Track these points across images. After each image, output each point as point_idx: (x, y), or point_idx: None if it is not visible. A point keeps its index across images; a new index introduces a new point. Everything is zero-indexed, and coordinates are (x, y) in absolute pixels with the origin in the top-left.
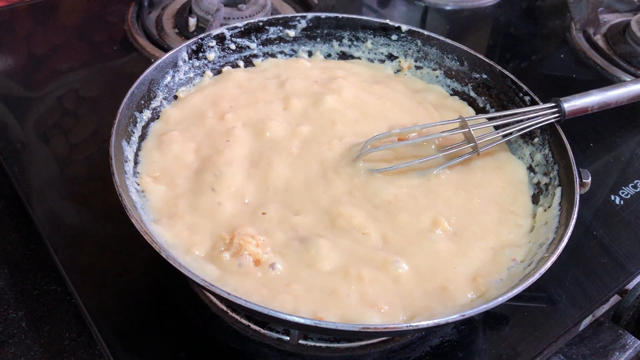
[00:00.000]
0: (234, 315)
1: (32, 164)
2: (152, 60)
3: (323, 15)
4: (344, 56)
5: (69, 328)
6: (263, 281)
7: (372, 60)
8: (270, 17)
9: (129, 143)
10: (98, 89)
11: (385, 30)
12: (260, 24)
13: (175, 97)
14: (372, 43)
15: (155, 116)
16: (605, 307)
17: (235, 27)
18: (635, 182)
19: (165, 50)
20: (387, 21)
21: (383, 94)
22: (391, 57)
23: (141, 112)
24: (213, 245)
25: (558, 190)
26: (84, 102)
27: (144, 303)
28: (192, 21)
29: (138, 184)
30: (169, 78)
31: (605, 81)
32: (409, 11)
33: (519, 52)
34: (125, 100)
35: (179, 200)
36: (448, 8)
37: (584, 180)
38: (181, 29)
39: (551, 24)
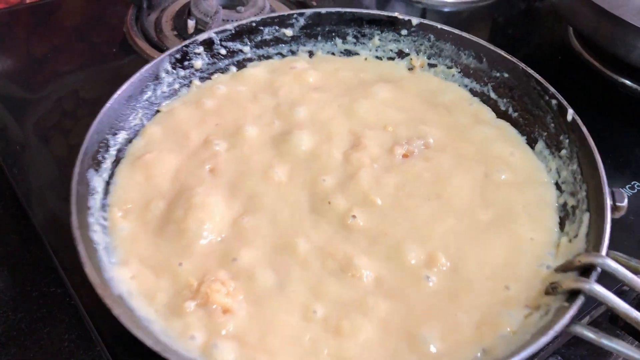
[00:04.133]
0: None
1: (32, 165)
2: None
3: (324, 10)
4: (348, 54)
5: (68, 330)
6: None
7: (380, 58)
8: (265, 16)
9: (97, 171)
10: (97, 91)
11: (393, 25)
12: (254, 24)
13: (158, 112)
14: (379, 39)
15: (133, 135)
16: (602, 308)
17: (225, 30)
18: (632, 183)
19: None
20: (396, 14)
21: (389, 98)
22: (401, 54)
23: (115, 134)
24: (177, 292)
25: (586, 217)
26: (83, 103)
27: None
28: (191, 23)
29: (105, 219)
30: (149, 93)
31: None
32: (407, 13)
33: (517, 53)
34: (93, 126)
35: (146, 237)
36: (446, 10)
37: (618, 204)
38: (180, 31)
39: (550, 25)
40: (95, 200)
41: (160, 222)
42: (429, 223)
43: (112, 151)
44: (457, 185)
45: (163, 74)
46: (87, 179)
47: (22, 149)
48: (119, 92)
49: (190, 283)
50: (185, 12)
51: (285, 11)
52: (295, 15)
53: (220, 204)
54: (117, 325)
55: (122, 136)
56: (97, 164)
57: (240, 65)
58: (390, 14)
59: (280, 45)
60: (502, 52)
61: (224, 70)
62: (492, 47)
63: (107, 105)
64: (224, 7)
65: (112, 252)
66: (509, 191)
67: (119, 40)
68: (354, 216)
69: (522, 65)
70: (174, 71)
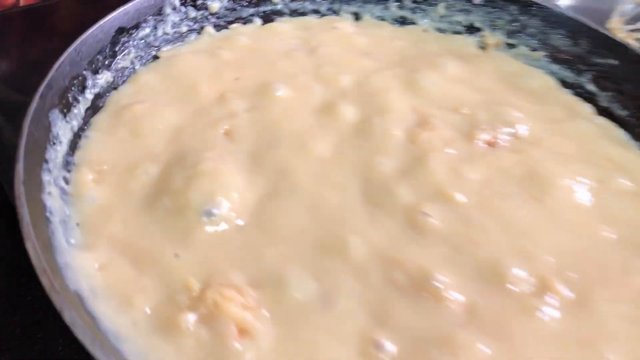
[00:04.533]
0: None
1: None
2: None
3: None
4: (402, 23)
5: (62, 334)
6: None
7: (443, 31)
8: None
9: (65, 116)
10: None
11: None
12: None
13: (156, 58)
14: (445, 7)
15: (120, 81)
16: None
17: None
18: None
19: None
20: None
21: (460, 75)
22: (471, 28)
23: (96, 73)
24: (170, 297)
25: None
26: None
27: None
28: None
29: (67, 182)
30: (147, 30)
31: None
32: None
33: None
34: (65, 54)
35: (127, 213)
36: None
37: None
38: None
39: None
40: (56, 153)
41: (149, 194)
42: (533, 234)
43: (89, 95)
44: (564, 188)
45: (168, 9)
46: (49, 121)
47: (15, 152)
48: (107, 17)
49: (190, 285)
50: None
51: None
52: None
53: (237, 177)
54: None
55: (104, 78)
56: (65, 106)
57: (267, 18)
58: None
59: (320, 0)
60: (609, 34)
61: (245, 21)
62: (596, 26)
63: (89, 31)
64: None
65: (73, 229)
66: (636, 205)
67: None
68: (426, 213)
69: (638, 49)
70: (183, 8)
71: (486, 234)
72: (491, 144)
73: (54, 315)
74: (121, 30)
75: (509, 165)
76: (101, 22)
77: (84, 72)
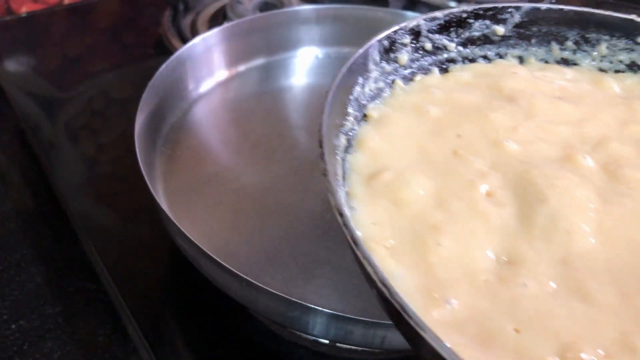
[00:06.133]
0: None
1: (66, 162)
2: None
3: (543, 6)
4: (564, 64)
5: (103, 325)
6: None
7: (604, 71)
8: (477, 6)
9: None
10: (128, 91)
11: (628, 30)
12: (464, 15)
13: (364, 117)
14: (607, 47)
15: (349, 145)
16: None
17: (435, 18)
18: None
19: None
20: (634, 17)
21: None
22: (634, 66)
23: (337, 136)
24: None
25: None
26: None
27: (179, 302)
28: None
29: None
30: (358, 89)
31: None
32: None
33: None
34: (327, 103)
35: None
36: None
37: None
38: None
39: None
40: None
41: None
42: None
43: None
44: None
45: (372, 65)
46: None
47: (51, 146)
48: (340, 74)
49: None
50: (220, 15)
51: (498, 2)
52: (510, 9)
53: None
54: (156, 323)
55: (342, 141)
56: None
57: (442, 67)
58: (626, 16)
59: (487, 45)
60: None
61: (426, 71)
62: None
63: (337, 79)
64: (260, 10)
65: None
66: None
67: (153, 41)
68: None
69: None
70: (380, 64)
71: None
72: None
73: (94, 307)
74: (342, 90)
75: None
76: (336, 80)
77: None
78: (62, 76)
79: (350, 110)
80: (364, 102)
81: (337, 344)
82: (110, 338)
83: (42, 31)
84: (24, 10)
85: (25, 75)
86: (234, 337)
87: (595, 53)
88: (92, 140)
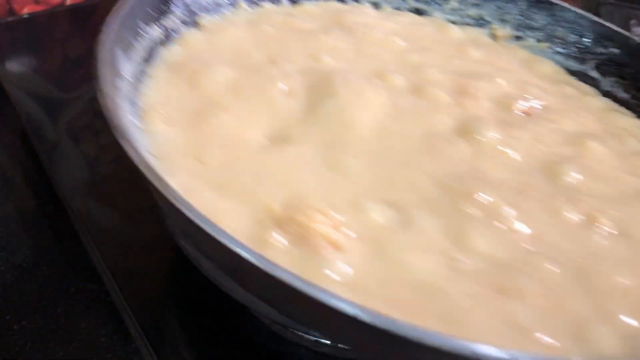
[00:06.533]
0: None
1: (67, 163)
2: None
3: None
4: (417, 14)
5: (105, 325)
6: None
7: (454, 23)
8: None
9: (129, 58)
10: None
11: None
12: None
13: (197, 25)
14: (459, 1)
15: (167, 40)
16: None
17: None
18: None
19: None
20: None
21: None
22: (481, 21)
23: (147, 24)
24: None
25: None
26: None
27: (181, 303)
28: None
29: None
30: None
31: None
32: None
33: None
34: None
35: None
36: None
37: None
38: None
39: None
40: (123, 87)
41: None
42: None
43: (143, 45)
44: (595, 149)
45: None
46: (116, 54)
47: (54, 147)
48: None
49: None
50: None
51: None
52: None
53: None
54: (156, 322)
55: (155, 32)
56: (126, 47)
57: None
58: None
59: None
60: (613, 26)
61: (274, 0)
62: (598, 19)
63: None
64: None
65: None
66: None
67: None
68: None
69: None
70: None
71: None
72: (527, 114)
73: (96, 308)
74: None
75: (546, 131)
76: None
77: (138, 22)
78: (64, 77)
79: (176, 11)
80: (195, 9)
81: (339, 345)
82: (112, 338)
83: (44, 32)
84: (25, 11)
85: (27, 76)
86: (235, 337)
87: (447, 6)
88: (94, 141)
